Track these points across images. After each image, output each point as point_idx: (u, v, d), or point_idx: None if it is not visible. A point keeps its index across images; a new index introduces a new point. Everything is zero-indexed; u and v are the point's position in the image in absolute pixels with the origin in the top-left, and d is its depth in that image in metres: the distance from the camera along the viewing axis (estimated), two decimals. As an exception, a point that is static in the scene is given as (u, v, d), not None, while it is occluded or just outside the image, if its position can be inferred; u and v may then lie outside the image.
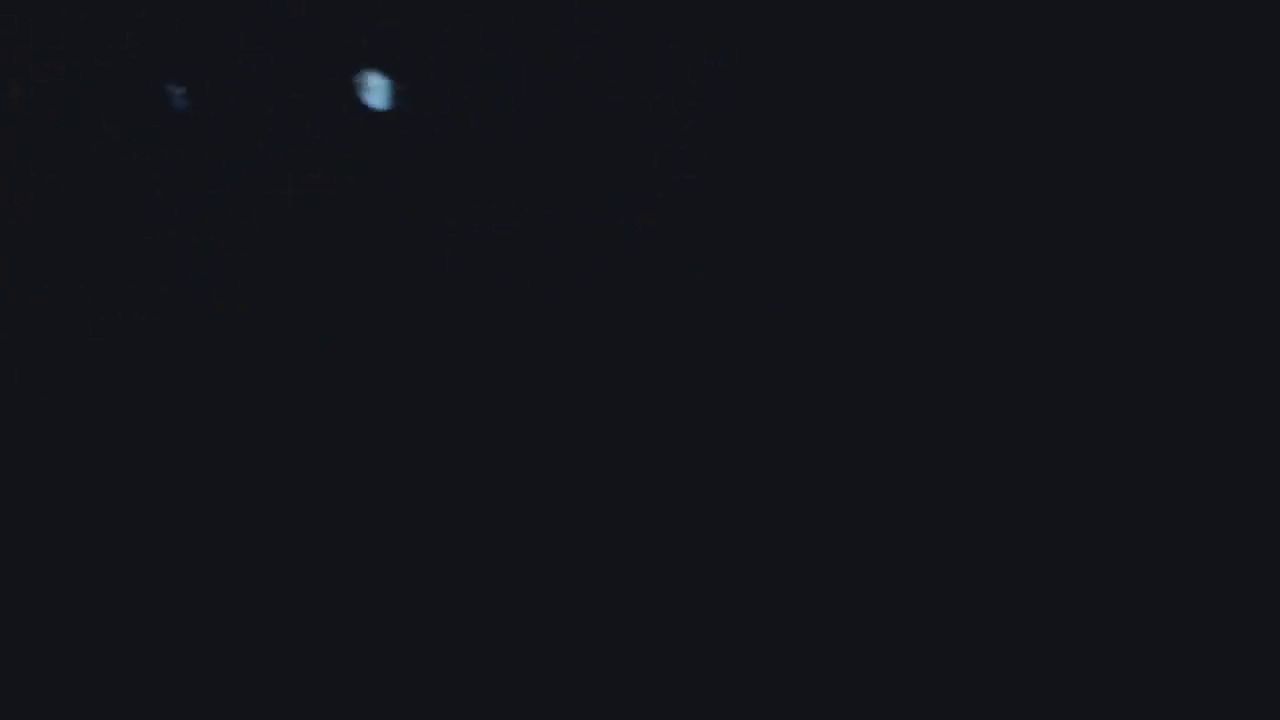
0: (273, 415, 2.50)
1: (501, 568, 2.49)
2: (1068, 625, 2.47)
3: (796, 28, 2.52)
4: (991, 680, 2.46)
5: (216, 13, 2.51)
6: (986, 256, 2.51)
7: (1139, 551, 2.48)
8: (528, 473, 2.50)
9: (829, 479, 2.49)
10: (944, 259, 2.51)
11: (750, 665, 2.47)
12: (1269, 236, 2.49)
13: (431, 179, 2.52)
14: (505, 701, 2.46)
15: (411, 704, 2.46)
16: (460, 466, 2.50)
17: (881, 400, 2.50)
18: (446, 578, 2.49)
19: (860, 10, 2.51)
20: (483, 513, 2.50)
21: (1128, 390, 2.49)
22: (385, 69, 2.51)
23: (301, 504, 2.49)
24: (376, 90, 2.50)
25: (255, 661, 2.47)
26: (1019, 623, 2.47)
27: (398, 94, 2.50)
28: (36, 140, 2.50)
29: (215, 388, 2.50)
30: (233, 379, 2.50)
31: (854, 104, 2.52)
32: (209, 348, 2.50)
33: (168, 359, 2.50)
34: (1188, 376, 2.49)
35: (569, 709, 2.46)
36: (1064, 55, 2.51)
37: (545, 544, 2.49)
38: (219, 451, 2.49)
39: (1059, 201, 2.51)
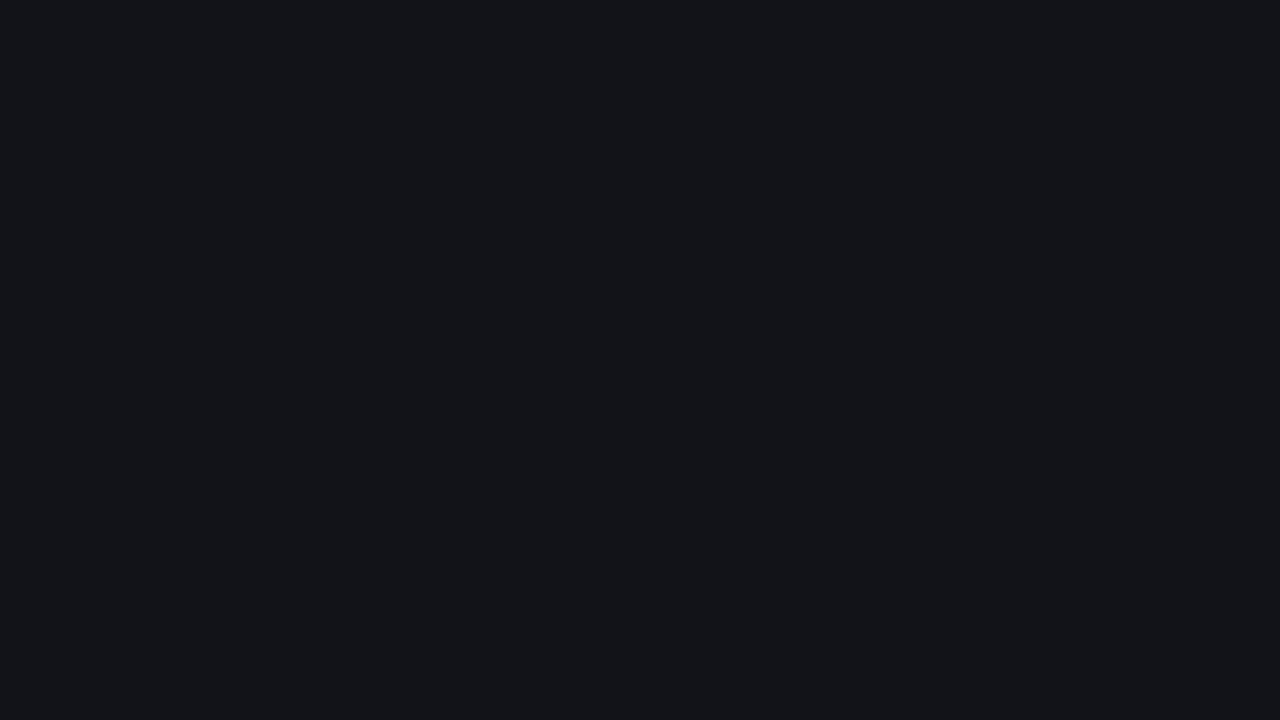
0: (273, 415, 2.49)
1: (501, 567, 2.48)
2: (1066, 624, 2.47)
3: (797, 28, 2.51)
4: (990, 679, 2.45)
5: (217, 13, 2.50)
6: (985, 256, 2.50)
7: (1137, 550, 2.48)
8: (528, 472, 2.49)
9: (829, 478, 2.48)
10: (943, 258, 2.50)
11: (749, 664, 2.46)
12: (1268, 236, 2.50)
13: (432, 179, 2.51)
14: (505, 701, 2.45)
15: (412, 703, 2.45)
16: (460, 465, 2.49)
17: (881, 400, 2.49)
18: (446, 577, 2.48)
19: (860, 10, 2.50)
20: (483, 512, 2.49)
21: (1125, 389, 2.49)
22: (389, 71, 2.50)
23: (302, 502, 2.48)
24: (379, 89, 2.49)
25: (255, 660, 2.46)
26: (1017, 621, 2.47)
27: (399, 94, 2.50)
28: (36, 140, 2.49)
29: (215, 387, 2.48)
30: (233, 378, 2.49)
31: (854, 104, 2.51)
32: (209, 347, 2.49)
33: (168, 359, 2.48)
34: (1186, 375, 2.49)
35: (569, 708, 2.45)
36: (1064, 56, 2.51)
37: (545, 543, 2.48)
38: (219, 451, 2.48)
39: (1057, 203, 2.51)
